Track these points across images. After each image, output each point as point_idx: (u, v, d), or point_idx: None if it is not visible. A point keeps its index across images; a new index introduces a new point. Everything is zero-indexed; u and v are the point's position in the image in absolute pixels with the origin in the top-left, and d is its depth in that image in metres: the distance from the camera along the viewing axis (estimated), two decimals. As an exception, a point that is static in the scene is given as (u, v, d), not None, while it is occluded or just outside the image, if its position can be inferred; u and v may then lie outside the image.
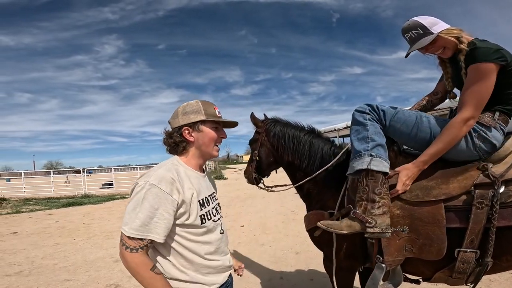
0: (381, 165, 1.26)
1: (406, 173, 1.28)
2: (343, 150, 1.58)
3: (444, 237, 1.18)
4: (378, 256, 1.28)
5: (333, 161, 1.55)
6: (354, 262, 1.48)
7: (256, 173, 1.90)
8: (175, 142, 1.09)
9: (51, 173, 14.94)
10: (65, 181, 17.36)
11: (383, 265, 1.26)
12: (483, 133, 1.23)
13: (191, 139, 1.09)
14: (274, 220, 5.57)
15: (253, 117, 1.92)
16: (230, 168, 37.10)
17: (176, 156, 1.13)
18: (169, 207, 0.92)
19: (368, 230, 1.20)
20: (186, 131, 1.08)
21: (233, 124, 1.22)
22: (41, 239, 5.06)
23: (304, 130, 1.75)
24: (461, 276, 1.25)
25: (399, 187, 1.26)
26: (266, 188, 1.95)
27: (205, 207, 1.06)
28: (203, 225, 1.03)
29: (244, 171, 2.00)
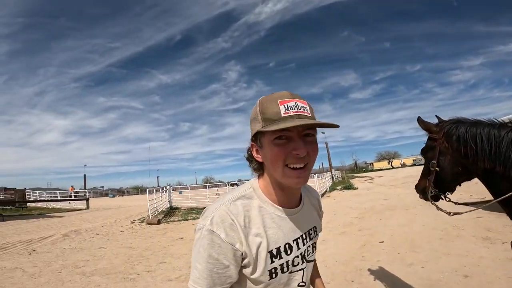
0: None
1: None
2: None
3: None
4: None
5: None
6: None
7: (436, 188, 1.54)
8: (249, 160, 0.82)
9: (207, 186, 18.63)
10: (216, 193, 21.17)
11: None
12: None
13: (259, 159, 0.76)
14: (427, 236, 4.35)
15: (421, 122, 1.58)
16: (360, 177, 33.95)
17: (256, 179, 0.82)
18: (229, 256, 0.70)
19: None
20: (254, 148, 0.77)
21: (327, 125, 0.70)
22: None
23: (504, 126, 1.33)
24: None
25: None
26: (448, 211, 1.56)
27: (283, 258, 0.76)
28: (271, 280, 0.74)
29: (416, 186, 1.68)
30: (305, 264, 0.81)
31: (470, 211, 1.45)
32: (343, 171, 31.85)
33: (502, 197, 1.29)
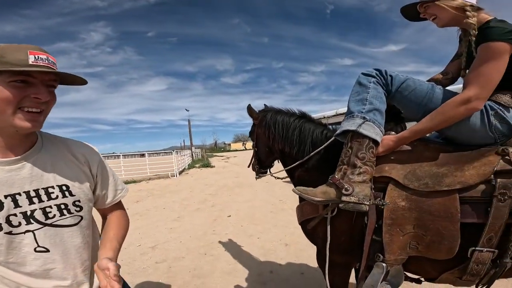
0: (372, 130, 1.14)
1: (384, 143, 1.18)
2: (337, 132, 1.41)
3: (458, 233, 1.02)
4: (378, 254, 1.13)
5: (325, 144, 1.39)
6: (351, 258, 1.34)
7: (258, 165, 1.90)
8: None
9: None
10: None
11: (384, 265, 1.12)
12: (500, 112, 1.09)
13: None
14: (263, 210, 5.46)
15: (249, 109, 1.81)
16: (218, 156, 36.81)
17: None
18: None
19: (344, 198, 1.09)
20: None
21: (78, 78, 0.77)
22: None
23: (295, 115, 1.62)
24: (473, 279, 1.11)
25: None
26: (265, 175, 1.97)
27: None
28: None
29: (249, 165, 2.00)
30: (36, 225, 0.76)
31: (278, 178, 1.85)
32: (203, 149, 33.29)
33: (287, 167, 1.58)
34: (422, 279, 1.31)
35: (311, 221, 1.32)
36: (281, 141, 1.59)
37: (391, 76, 1.22)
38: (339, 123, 1.33)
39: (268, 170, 1.96)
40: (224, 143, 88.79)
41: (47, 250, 0.77)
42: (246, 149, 70.54)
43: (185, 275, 2.75)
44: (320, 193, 1.15)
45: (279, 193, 7.32)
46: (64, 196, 0.82)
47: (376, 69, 1.25)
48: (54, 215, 0.80)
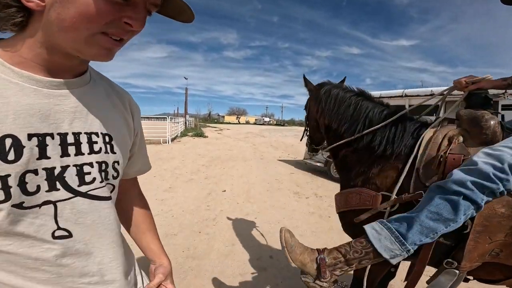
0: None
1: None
2: (401, 113, 1.25)
3: None
4: (450, 260, 1.00)
5: (386, 122, 1.22)
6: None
7: (309, 140, 1.79)
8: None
9: None
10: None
11: (457, 272, 0.99)
12: None
13: (32, 4, 0.41)
14: (259, 188, 5.26)
15: (305, 80, 1.70)
16: (211, 126, 36.28)
17: None
18: None
19: (316, 282, 1.02)
20: None
21: (181, 12, 0.49)
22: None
23: (353, 91, 1.44)
24: None
25: None
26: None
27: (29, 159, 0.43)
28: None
29: (301, 139, 1.95)
30: (62, 193, 0.47)
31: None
32: (197, 119, 32.64)
33: (334, 144, 1.41)
34: (471, 277, 1.16)
35: (359, 213, 1.16)
36: (329, 116, 1.46)
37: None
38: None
39: (317, 148, 1.78)
40: (218, 115, 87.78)
41: (70, 235, 0.48)
42: (239, 123, 70.07)
43: (178, 256, 2.51)
44: (300, 260, 1.05)
45: (274, 171, 7.13)
46: (106, 151, 0.54)
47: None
48: (94, 179, 0.52)
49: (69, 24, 0.42)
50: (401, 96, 5.85)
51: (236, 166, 7.59)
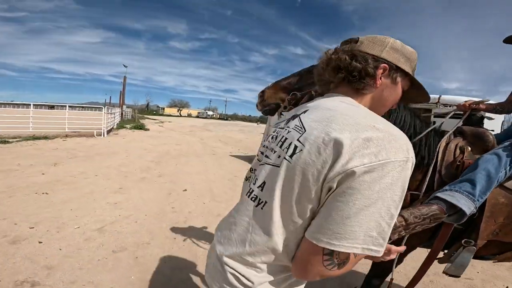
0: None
1: None
2: (432, 127, 1.37)
3: None
4: (467, 239, 1.29)
5: (422, 134, 1.31)
6: (418, 243, 1.44)
7: None
8: (364, 72, 0.66)
9: None
10: None
11: (474, 248, 1.28)
12: None
13: (378, 83, 0.68)
14: (221, 186, 5.07)
15: None
16: (150, 119, 33.55)
17: (348, 97, 0.68)
18: None
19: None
20: (381, 70, 0.67)
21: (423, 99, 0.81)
22: None
23: None
24: None
25: None
26: None
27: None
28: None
29: None
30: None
31: None
32: (134, 110, 29.73)
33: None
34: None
35: None
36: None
37: None
38: None
39: None
40: (158, 106, 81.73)
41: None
42: (180, 116, 66.83)
43: (162, 267, 2.20)
44: None
45: (230, 167, 7.00)
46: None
47: None
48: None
49: (387, 104, 0.72)
50: None
51: (190, 163, 7.19)
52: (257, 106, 1.40)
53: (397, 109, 1.37)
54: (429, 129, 1.34)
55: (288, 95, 1.28)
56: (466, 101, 1.57)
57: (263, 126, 34.83)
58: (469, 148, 1.34)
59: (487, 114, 1.76)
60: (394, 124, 1.36)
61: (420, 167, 1.32)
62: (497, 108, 1.59)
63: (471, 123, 1.52)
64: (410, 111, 1.38)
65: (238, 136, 18.42)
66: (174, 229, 2.96)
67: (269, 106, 1.34)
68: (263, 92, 1.37)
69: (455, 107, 1.61)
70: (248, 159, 8.72)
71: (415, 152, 1.32)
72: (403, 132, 1.35)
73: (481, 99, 1.56)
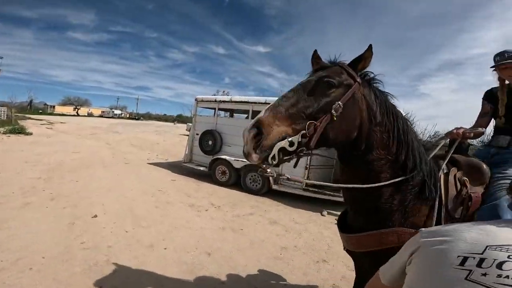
0: None
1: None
2: (441, 145, 1.36)
3: None
4: None
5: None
6: None
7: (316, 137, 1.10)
8: None
9: None
10: None
11: None
12: None
13: None
14: (142, 204, 4.28)
15: (344, 66, 1.16)
16: (35, 119, 26.68)
17: None
18: None
19: None
20: None
21: None
22: None
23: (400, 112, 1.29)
24: None
25: None
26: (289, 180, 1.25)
27: None
28: None
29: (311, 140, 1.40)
30: None
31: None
32: (11, 108, 23.02)
33: (392, 180, 1.28)
34: None
35: (396, 250, 0.99)
36: (391, 132, 1.20)
37: None
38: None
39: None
40: (45, 104, 65.94)
41: None
42: (78, 115, 56.35)
43: None
44: None
45: (150, 179, 6.11)
46: None
47: None
48: None
49: None
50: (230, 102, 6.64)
51: (96, 176, 5.89)
52: (248, 154, 0.94)
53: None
54: (429, 157, 1.26)
55: (298, 126, 0.96)
56: (457, 129, 1.42)
57: (182, 126, 32.64)
58: (468, 180, 1.28)
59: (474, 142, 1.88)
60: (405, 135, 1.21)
61: (425, 200, 1.22)
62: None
63: (460, 151, 1.46)
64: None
65: (153, 137, 16.71)
66: (93, 275, 2.20)
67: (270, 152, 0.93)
68: (259, 122, 0.93)
69: (443, 136, 1.51)
70: (170, 166, 7.89)
71: (422, 183, 1.20)
72: (411, 145, 1.24)
73: (476, 128, 1.48)
